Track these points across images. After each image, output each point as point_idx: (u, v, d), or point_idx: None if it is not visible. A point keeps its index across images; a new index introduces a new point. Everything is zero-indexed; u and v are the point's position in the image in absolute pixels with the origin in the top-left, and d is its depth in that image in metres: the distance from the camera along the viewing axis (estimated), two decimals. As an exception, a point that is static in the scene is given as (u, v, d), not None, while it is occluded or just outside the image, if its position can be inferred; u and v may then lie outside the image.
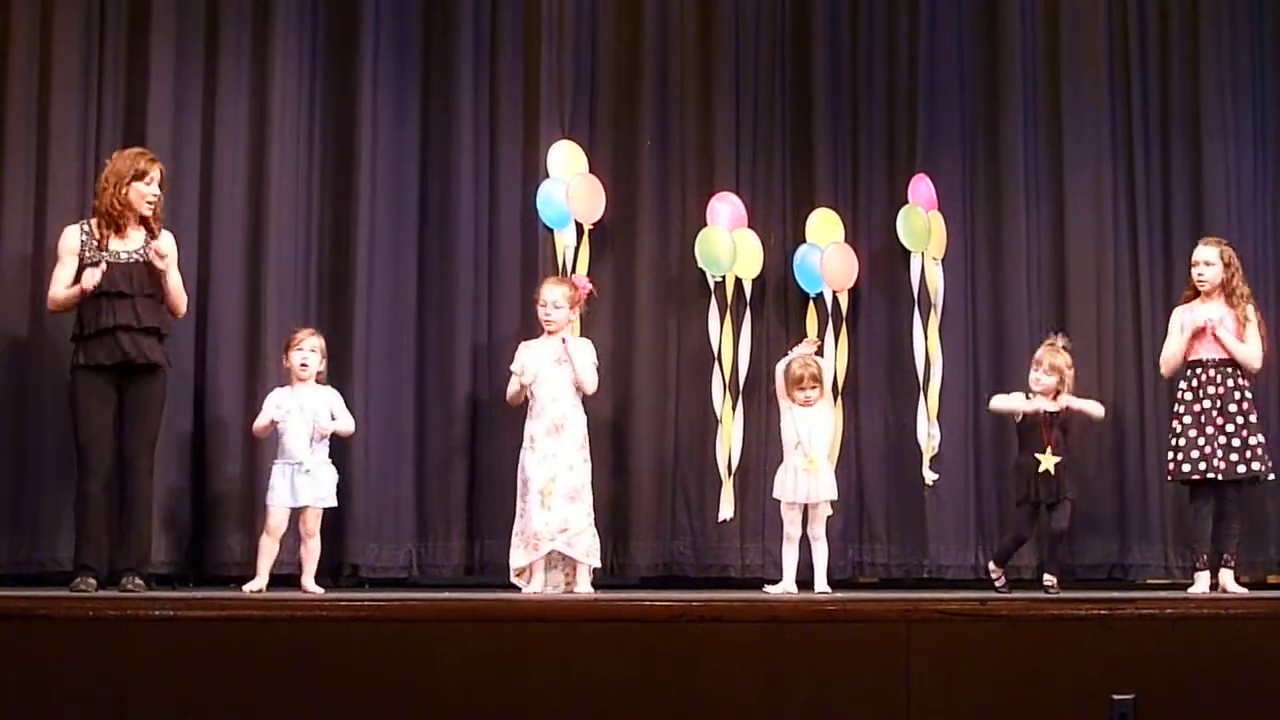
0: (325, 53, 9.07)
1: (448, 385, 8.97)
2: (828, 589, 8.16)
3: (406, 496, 8.91)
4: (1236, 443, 8.13)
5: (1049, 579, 8.11)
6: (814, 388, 8.34)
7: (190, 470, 8.59)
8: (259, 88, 8.90)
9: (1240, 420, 8.16)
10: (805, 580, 8.27)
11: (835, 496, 8.45)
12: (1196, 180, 9.60)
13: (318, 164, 8.99)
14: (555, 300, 8.30)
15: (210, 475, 8.61)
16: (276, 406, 8.01)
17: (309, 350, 8.06)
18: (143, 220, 7.65)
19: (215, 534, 8.58)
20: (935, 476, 9.11)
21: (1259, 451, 8.15)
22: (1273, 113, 9.70)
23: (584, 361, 8.30)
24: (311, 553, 8.02)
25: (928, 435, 9.13)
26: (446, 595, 7.27)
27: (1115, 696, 5.66)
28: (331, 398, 8.13)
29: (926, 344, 9.19)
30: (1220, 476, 8.12)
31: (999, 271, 9.52)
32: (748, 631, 5.71)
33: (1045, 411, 8.26)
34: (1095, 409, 8.45)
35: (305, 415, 7.99)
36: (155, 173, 7.69)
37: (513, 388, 8.35)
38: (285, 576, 8.38)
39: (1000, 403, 8.52)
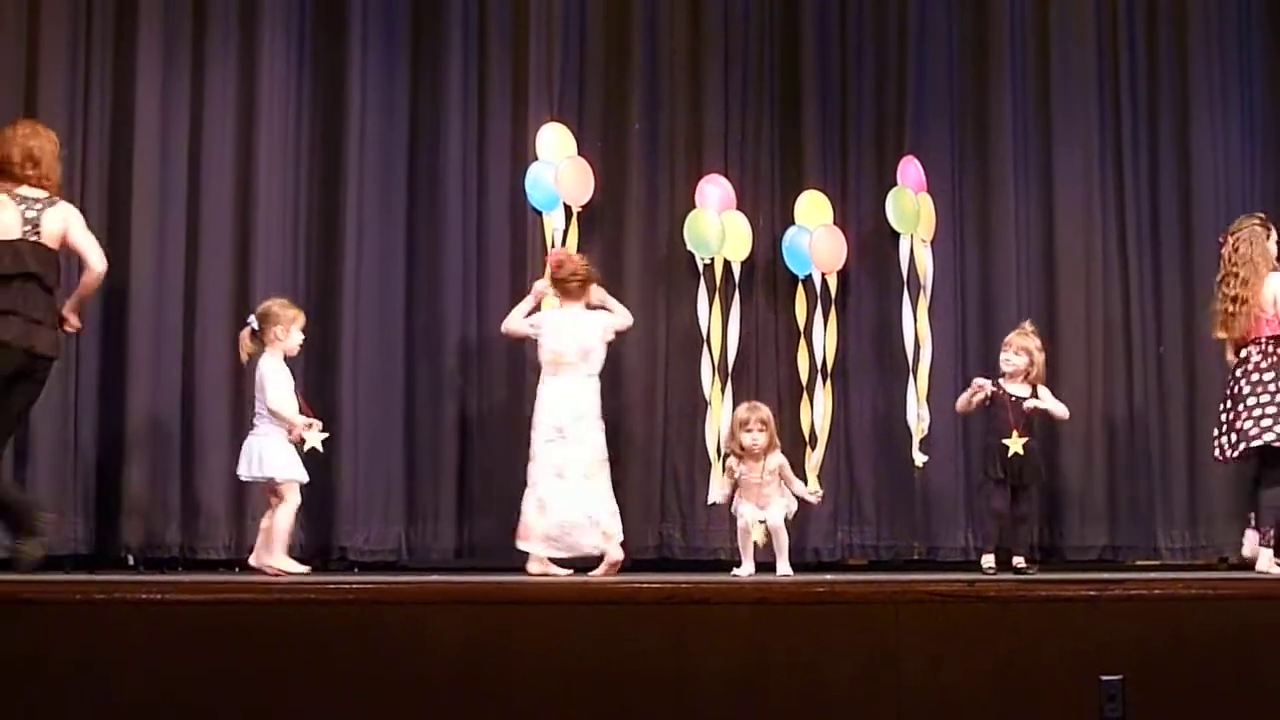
0: (314, 34, 9.06)
1: (437, 366, 8.96)
2: (789, 572, 8.12)
3: (396, 479, 8.90)
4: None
5: (1019, 561, 8.16)
6: (762, 430, 7.98)
7: (179, 453, 8.58)
8: (247, 70, 8.89)
9: None
10: (796, 563, 8.29)
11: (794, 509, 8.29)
12: (1185, 161, 9.63)
13: (306, 145, 8.99)
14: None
15: (197, 459, 8.59)
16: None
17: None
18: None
19: (203, 519, 8.56)
20: (925, 458, 9.12)
21: None
22: (1260, 91, 9.73)
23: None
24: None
25: (917, 417, 9.13)
26: (435, 578, 7.26)
27: (1104, 677, 5.67)
28: None
29: (916, 326, 9.18)
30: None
31: (988, 253, 9.54)
32: (736, 614, 5.70)
33: (1013, 395, 8.30)
34: (1061, 411, 8.53)
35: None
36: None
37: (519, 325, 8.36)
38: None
39: (962, 400, 8.52)
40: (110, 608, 5.45)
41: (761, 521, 7.95)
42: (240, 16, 8.90)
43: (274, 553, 7.71)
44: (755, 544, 8.01)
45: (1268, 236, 8.27)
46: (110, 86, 8.68)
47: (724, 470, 8.21)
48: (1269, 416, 8.05)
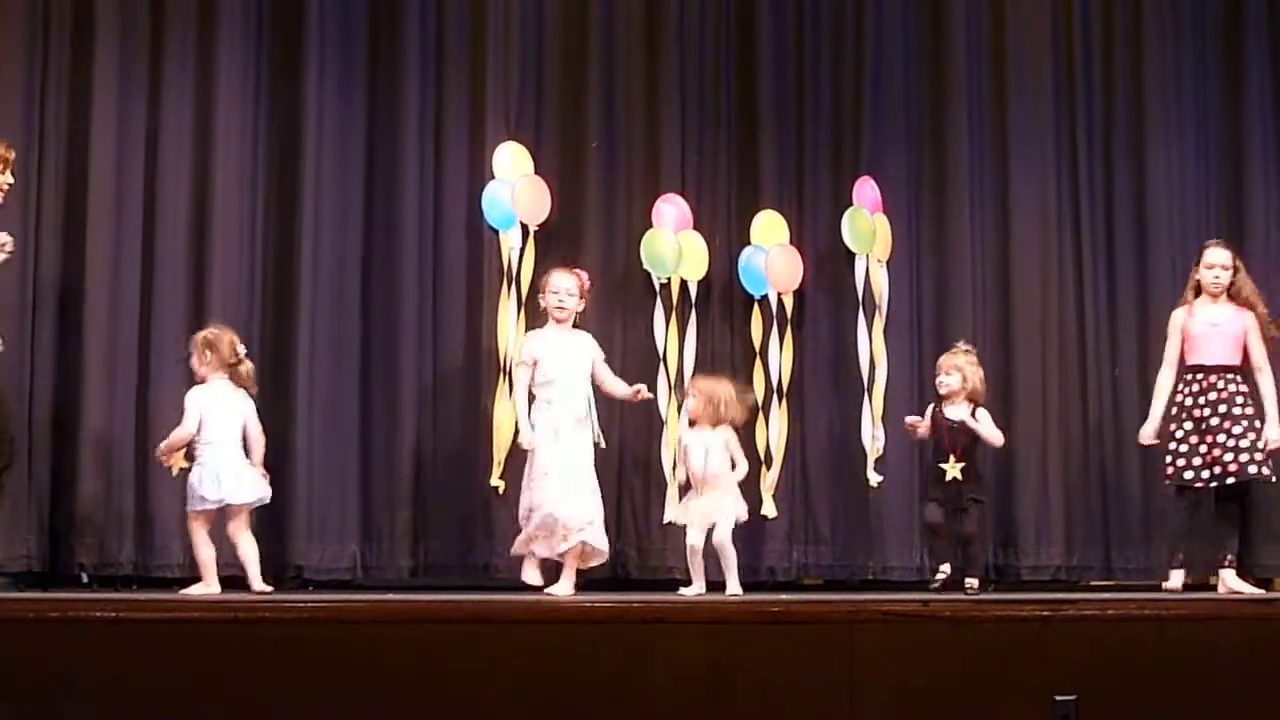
0: (270, 54, 9.04)
1: (392, 384, 8.94)
2: (739, 591, 8.12)
3: (351, 497, 8.87)
4: (1245, 444, 8.12)
5: (970, 581, 8.17)
6: (693, 397, 8.30)
7: (134, 471, 8.54)
8: (203, 90, 8.87)
9: (1245, 424, 8.15)
10: (750, 582, 8.29)
11: (743, 517, 8.37)
12: (1139, 183, 9.66)
13: (262, 164, 8.96)
14: (569, 288, 8.18)
15: (152, 477, 8.53)
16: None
17: None
18: None
19: (158, 536, 8.52)
20: (880, 478, 9.12)
21: (1263, 453, 8.18)
22: (1214, 117, 9.77)
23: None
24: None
25: (872, 437, 9.14)
26: (390, 596, 7.25)
27: (1058, 697, 5.69)
28: None
29: (871, 346, 9.20)
30: (1232, 479, 8.13)
31: (944, 274, 9.55)
32: (692, 633, 5.71)
33: (949, 419, 8.30)
34: (995, 438, 8.47)
35: None
36: None
37: (523, 378, 8.23)
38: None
39: (922, 429, 8.53)
40: (64, 626, 5.43)
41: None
42: (197, 35, 8.88)
43: (255, 578, 7.79)
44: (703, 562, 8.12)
45: (1196, 264, 8.43)
46: (66, 108, 8.66)
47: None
48: (1181, 457, 8.21)
